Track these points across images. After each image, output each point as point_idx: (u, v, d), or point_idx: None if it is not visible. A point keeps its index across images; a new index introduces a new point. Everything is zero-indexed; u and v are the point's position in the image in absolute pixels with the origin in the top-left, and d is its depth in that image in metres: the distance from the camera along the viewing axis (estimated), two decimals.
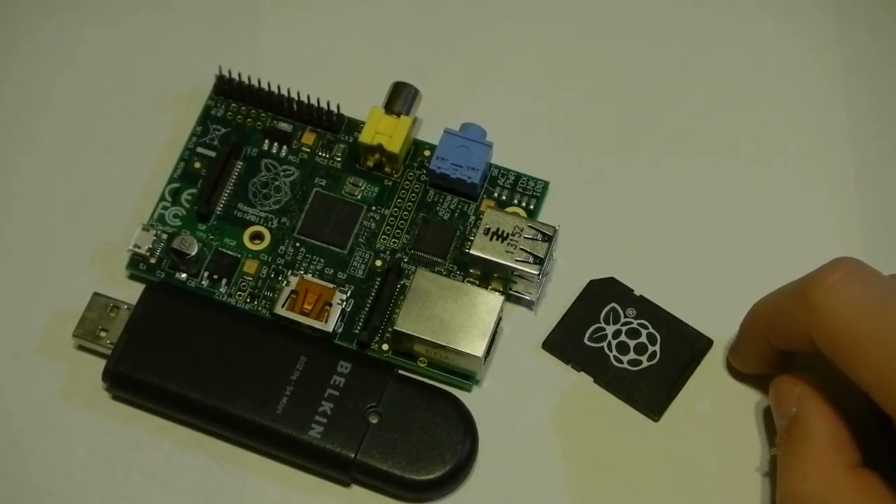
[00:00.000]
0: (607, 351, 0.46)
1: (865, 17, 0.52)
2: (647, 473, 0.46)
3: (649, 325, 0.47)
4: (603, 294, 0.47)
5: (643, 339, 0.46)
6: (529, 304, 0.48)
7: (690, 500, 0.45)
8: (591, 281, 0.47)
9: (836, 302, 0.40)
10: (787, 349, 0.43)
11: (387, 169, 0.49)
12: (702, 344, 0.46)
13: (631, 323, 0.47)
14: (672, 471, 0.45)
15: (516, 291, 0.47)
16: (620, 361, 0.46)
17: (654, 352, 0.46)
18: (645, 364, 0.46)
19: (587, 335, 0.47)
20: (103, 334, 0.47)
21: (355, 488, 0.45)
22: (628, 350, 0.46)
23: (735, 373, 0.46)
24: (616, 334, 0.47)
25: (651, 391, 0.46)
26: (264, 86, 0.50)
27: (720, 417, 0.46)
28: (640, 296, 0.47)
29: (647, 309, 0.47)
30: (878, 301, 0.40)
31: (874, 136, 0.50)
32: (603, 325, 0.47)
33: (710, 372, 0.47)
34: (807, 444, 0.42)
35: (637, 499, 0.45)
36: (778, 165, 0.50)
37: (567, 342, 0.47)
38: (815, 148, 0.50)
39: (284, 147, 0.50)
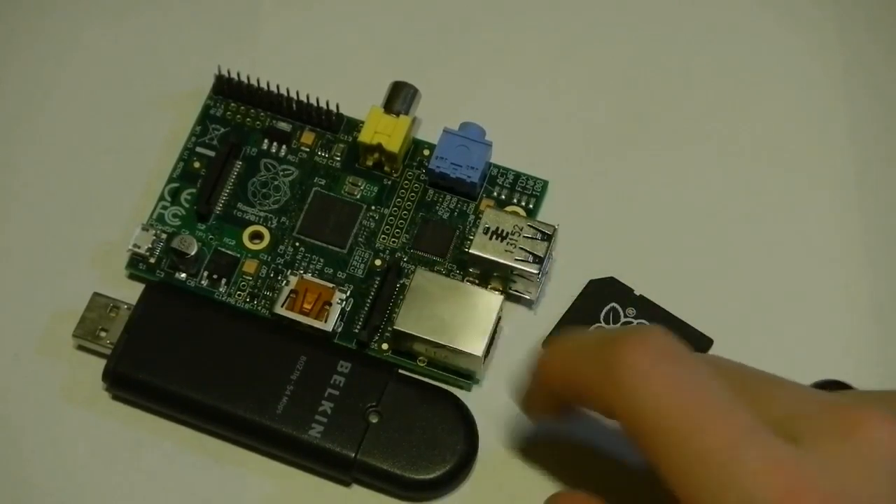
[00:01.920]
0: None
1: (865, 17, 0.52)
2: (648, 470, 0.46)
3: (649, 322, 0.46)
4: (603, 294, 0.47)
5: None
6: (529, 304, 0.48)
7: None
8: (590, 281, 0.47)
9: (645, 388, 0.37)
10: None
11: (386, 168, 0.49)
12: (702, 344, 0.46)
13: (631, 322, 0.47)
14: None
15: (516, 291, 0.47)
16: None
17: None
18: None
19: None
20: (103, 334, 0.46)
21: (355, 488, 0.45)
22: None
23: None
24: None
25: None
26: (263, 85, 0.50)
27: None
28: (640, 295, 0.47)
29: (647, 308, 0.47)
30: (693, 397, 0.37)
31: (874, 136, 0.50)
32: (603, 324, 0.47)
33: None
34: None
35: (637, 498, 0.45)
36: (778, 165, 0.50)
37: None
38: (815, 148, 0.50)
39: (284, 147, 0.50)
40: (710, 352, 0.47)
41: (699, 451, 0.36)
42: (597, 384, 0.38)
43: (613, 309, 0.47)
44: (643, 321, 0.46)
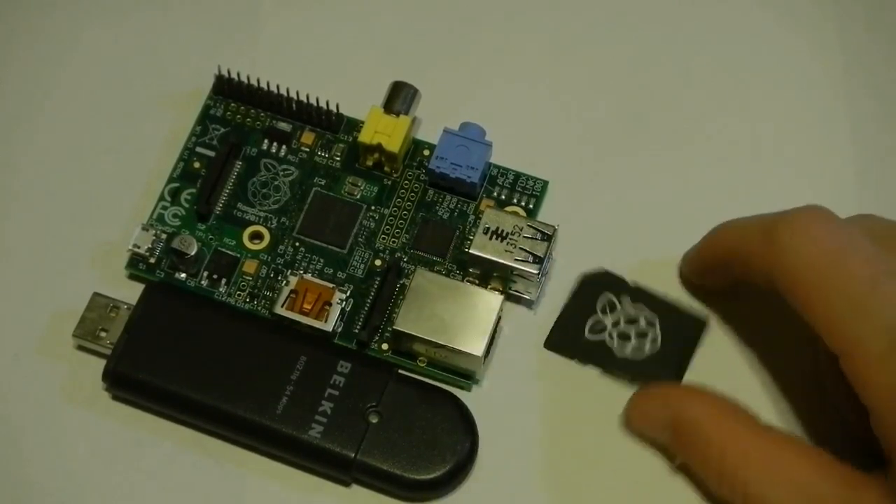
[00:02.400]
0: (609, 341, 0.46)
1: (865, 17, 0.52)
2: (648, 470, 0.46)
3: (646, 308, 0.46)
4: (596, 286, 0.47)
5: (642, 324, 0.46)
6: (529, 304, 0.48)
7: (695, 492, 0.45)
8: (583, 274, 0.47)
9: (800, 243, 0.41)
10: (740, 278, 0.44)
11: (386, 168, 0.49)
12: (700, 326, 0.47)
13: (627, 311, 0.47)
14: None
15: (516, 291, 0.47)
16: (624, 350, 0.46)
17: (655, 337, 0.46)
18: (648, 349, 0.46)
19: (587, 329, 0.47)
20: (103, 334, 0.47)
21: (355, 488, 0.45)
22: (630, 337, 0.46)
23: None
24: (615, 324, 0.46)
25: (661, 375, 0.46)
26: (263, 85, 0.50)
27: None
28: (633, 282, 0.47)
29: (641, 294, 0.47)
30: (840, 246, 0.41)
31: (874, 136, 0.50)
32: (601, 315, 0.47)
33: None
34: (706, 430, 0.43)
35: (638, 497, 0.45)
36: (778, 165, 0.50)
37: (568, 339, 0.47)
38: (815, 148, 0.50)
39: (284, 147, 0.50)
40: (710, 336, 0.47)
41: (842, 287, 0.40)
42: (760, 248, 0.42)
43: (608, 299, 0.47)
44: (641, 306, 0.47)
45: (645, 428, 0.45)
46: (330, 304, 0.47)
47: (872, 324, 0.40)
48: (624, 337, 0.46)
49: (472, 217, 0.49)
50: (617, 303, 0.47)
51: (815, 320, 0.41)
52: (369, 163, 0.49)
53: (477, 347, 0.45)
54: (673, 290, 0.48)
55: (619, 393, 0.46)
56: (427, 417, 0.45)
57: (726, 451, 0.42)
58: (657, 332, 0.46)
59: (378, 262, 0.48)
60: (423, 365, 0.47)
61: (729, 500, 0.42)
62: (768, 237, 0.42)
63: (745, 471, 0.42)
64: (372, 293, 0.47)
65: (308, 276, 0.47)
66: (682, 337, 0.46)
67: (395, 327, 0.46)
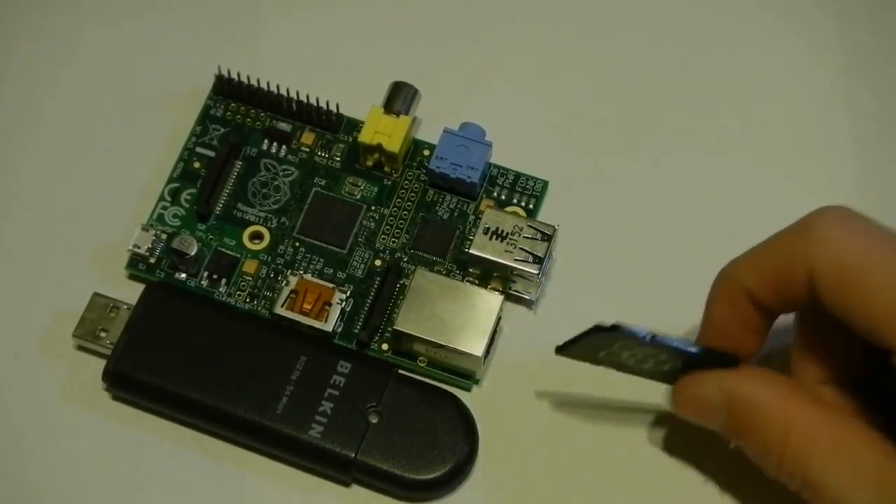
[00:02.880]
0: (626, 362, 0.43)
1: (865, 17, 0.52)
2: (648, 469, 0.46)
3: (664, 351, 0.42)
4: (611, 338, 0.42)
5: (663, 358, 0.43)
6: (529, 304, 0.48)
7: (696, 493, 0.45)
8: (595, 326, 0.41)
9: (840, 232, 0.40)
10: (773, 304, 0.42)
11: (386, 168, 0.49)
12: (728, 361, 0.43)
13: (642, 350, 0.42)
14: (672, 466, 0.45)
15: (516, 291, 0.47)
16: (641, 368, 0.43)
17: (675, 369, 0.43)
18: (668, 368, 0.43)
19: (601, 353, 0.43)
20: (103, 334, 0.47)
21: (355, 488, 0.45)
22: (646, 362, 0.43)
23: None
24: (632, 355, 0.42)
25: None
26: (263, 85, 0.50)
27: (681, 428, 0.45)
28: (653, 335, 0.41)
29: (658, 345, 0.42)
30: (884, 232, 0.40)
31: (874, 136, 0.50)
32: (617, 350, 0.42)
33: None
34: (765, 411, 0.41)
35: (638, 497, 0.45)
36: (778, 165, 0.50)
37: (584, 352, 0.43)
38: (815, 148, 0.50)
39: (284, 147, 0.50)
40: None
41: (882, 281, 0.39)
42: (797, 250, 0.41)
43: (625, 344, 0.42)
44: (654, 348, 0.42)
45: (697, 412, 0.42)
46: (330, 304, 0.47)
47: None
48: (641, 362, 0.43)
49: (472, 217, 0.49)
50: (634, 347, 0.42)
51: (866, 312, 0.39)
52: (369, 163, 0.49)
53: (477, 347, 0.45)
54: (674, 291, 0.48)
55: (618, 393, 0.46)
56: (427, 417, 0.45)
57: (789, 434, 0.40)
58: (678, 366, 0.43)
59: (378, 262, 0.48)
60: (423, 365, 0.47)
61: (787, 484, 0.41)
62: (805, 236, 0.41)
63: (808, 456, 0.40)
64: (372, 293, 0.47)
65: (308, 276, 0.47)
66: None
67: (395, 327, 0.46)
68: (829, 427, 0.40)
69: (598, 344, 0.42)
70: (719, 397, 0.42)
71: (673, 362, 0.43)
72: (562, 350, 0.43)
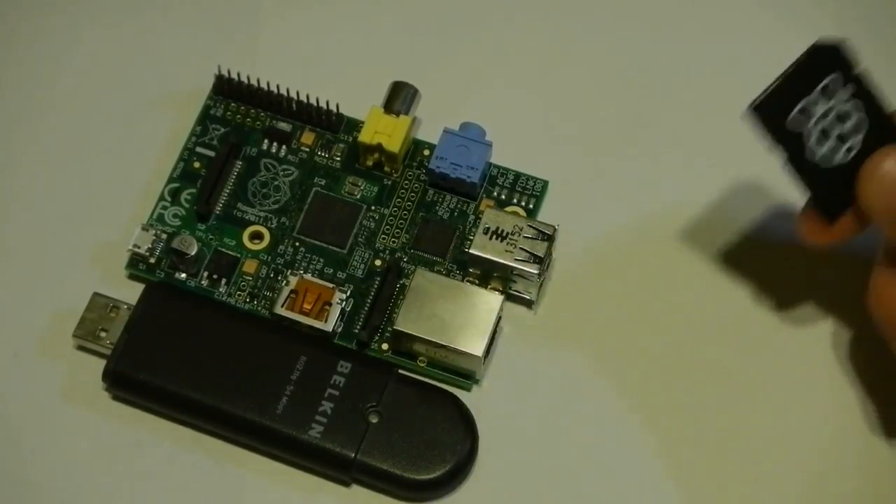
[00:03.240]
0: (807, 134, 0.42)
1: (865, 17, 0.52)
2: (648, 470, 0.46)
3: (861, 110, 0.42)
4: (826, 62, 0.42)
5: (848, 125, 0.42)
6: (529, 304, 0.48)
7: (696, 492, 0.45)
8: (815, 43, 0.42)
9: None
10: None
11: (386, 168, 0.49)
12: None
13: (845, 104, 0.42)
14: (672, 465, 0.45)
15: (516, 291, 0.47)
16: (817, 151, 0.42)
17: (853, 145, 0.42)
18: (839, 159, 0.42)
19: (797, 109, 0.42)
20: (103, 334, 0.47)
21: (355, 488, 0.45)
22: (829, 137, 0.42)
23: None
24: (824, 115, 0.42)
25: (832, 192, 0.43)
26: (263, 85, 0.50)
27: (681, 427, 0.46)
28: (861, 74, 0.42)
29: (864, 91, 0.42)
30: None
31: None
32: (816, 97, 0.42)
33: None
34: None
35: (638, 497, 0.45)
36: (777, 165, 0.50)
37: (775, 111, 0.42)
38: None
39: (284, 147, 0.50)
40: None
41: None
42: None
43: (832, 82, 0.42)
44: (859, 104, 0.42)
45: (881, 191, 0.42)
46: (330, 304, 0.47)
47: None
48: (824, 135, 0.42)
49: (472, 217, 0.49)
50: (839, 89, 0.42)
51: None
52: (369, 163, 0.49)
53: (477, 347, 0.45)
54: (674, 291, 0.48)
55: (619, 393, 0.46)
56: (427, 417, 0.45)
57: None
58: (859, 140, 0.42)
59: (378, 262, 0.48)
60: (423, 365, 0.47)
61: None
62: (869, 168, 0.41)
63: None
64: (372, 293, 0.47)
65: (308, 276, 0.47)
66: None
67: (395, 327, 0.46)
68: None
69: (809, 78, 0.42)
70: (882, 200, 0.41)
71: (853, 139, 0.43)
72: (761, 104, 0.42)
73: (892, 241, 0.42)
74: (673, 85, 0.51)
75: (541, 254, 0.46)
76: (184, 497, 0.46)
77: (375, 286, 0.48)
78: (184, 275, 0.48)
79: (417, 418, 0.45)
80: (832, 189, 0.43)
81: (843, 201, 0.43)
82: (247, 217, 0.49)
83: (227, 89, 0.50)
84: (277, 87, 0.50)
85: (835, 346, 0.47)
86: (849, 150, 0.42)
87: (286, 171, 0.49)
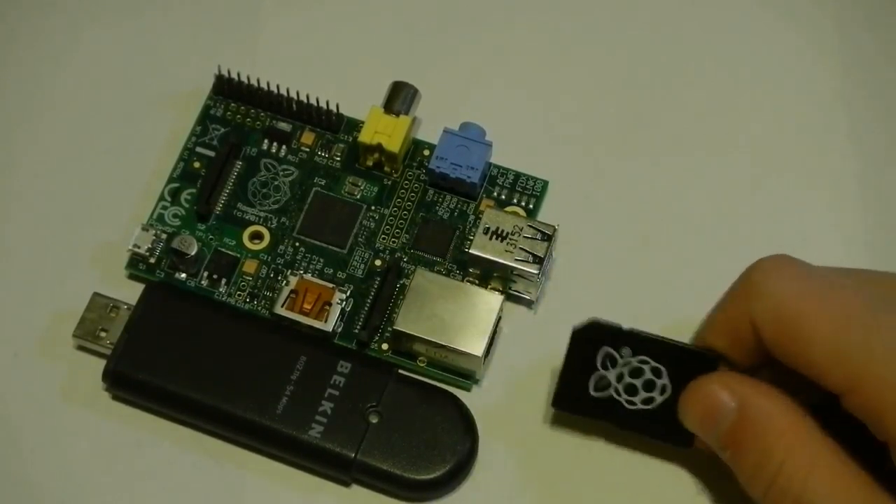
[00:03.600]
0: (616, 396, 0.43)
1: (865, 17, 0.52)
2: (648, 470, 0.46)
3: (650, 360, 0.43)
4: (591, 340, 0.44)
5: (648, 374, 0.43)
6: (529, 304, 0.48)
7: (696, 492, 0.45)
8: (573, 330, 0.44)
9: (776, 281, 0.40)
10: (746, 360, 0.42)
11: (386, 168, 0.49)
12: (712, 362, 0.43)
13: (630, 363, 0.44)
14: (672, 465, 0.45)
15: (516, 291, 0.47)
16: (633, 403, 0.43)
17: (664, 385, 0.43)
18: (659, 399, 0.43)
19: (592, 386, 0.44)
20: (103, 334, 0.47)
21: (355, 488, 0.45)
22: (636, 390, 0.43)
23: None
24: (619, 378, 0.44)
25: (673, 423, 0.43)
26: (263, 85, 0.50)
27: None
28: (629, 330, 0.44)
29: (641, 343, 0.44)
30: (820, 279, 0.40)
31: (874, 136, 0.50)
32: (602, 371, 0.44)
33: None
34: (769, 429, 0.40)
35: (638, 497, 0.45)
36: (778, 165, 0.50)
37: (575, 396, 0.44)
38: (815, 148, 0.50)
39: (284, 147, 0.50)
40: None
41: (836, 317, 0.39)
42: (738, 304, 0.41)
43: (608, 353, 0.44)
44: (642, 357, 0.43)
45: (704, 413, 0.42)
46: (330, 304, 0.47)
47: (879, 351, 0.38)
48: (631, 390, 0.44)
49: (472, 217, 0.49)
50: (617, 356, 0.44)
51: (809, 359, 0.39)
52: (369, 163, 0.49)
53: (477, 347, 0.45)
54: (673, 292, 0.48)
55: None
56: (427, 417, 0.45)
57: (790, 457, 0.40)
58: (666, 381, 0.43)
59: (378, 262, 0.48)
60: (423, 365, 0.47)
61: None
62: (743, 290, 0.41)
63: (801, 490, 0.39)
64: (372, 293, 0.47)
65: (308, 276, 0.47)
66: (694, 377, 0.43)
67: (395, 327, 0.46)
68: (833, 470, 0.39)
69: (585, 359, 0.44)
70: (731, 402, 0.41)
71: (660, 381, 0.43)
72: (557, 398, 0.44)
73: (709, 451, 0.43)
74: (673, 85, 0.51)
75: (541, 254, 0.46)
76: (184, 497, 0.46)
77: (375, 286, 0.48)
78: (184, 275, 0.48)
79: (417, 418, 0.45)
80: (672, 422, 0.43)
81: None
82: (247, 217, 0.49)
83: (227, 89, 0.50)
84: (277, 87, 0.50)
85: None
86: (663, 388, 0.44)
87: (286, 171, 0.49)
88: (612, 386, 0.44)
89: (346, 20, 0.53)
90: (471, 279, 0.47)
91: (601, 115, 0.51)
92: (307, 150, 0.50)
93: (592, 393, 0.44)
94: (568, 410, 0.45)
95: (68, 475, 0.46)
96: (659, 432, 0.44)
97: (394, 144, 0.48)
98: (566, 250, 0.48)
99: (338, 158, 0.50)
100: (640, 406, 0.44)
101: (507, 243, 0.46)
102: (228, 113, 0.50)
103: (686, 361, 0.43)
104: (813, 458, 0.39)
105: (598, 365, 0.44)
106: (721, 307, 0.43)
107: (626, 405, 0.44)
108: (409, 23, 0.53)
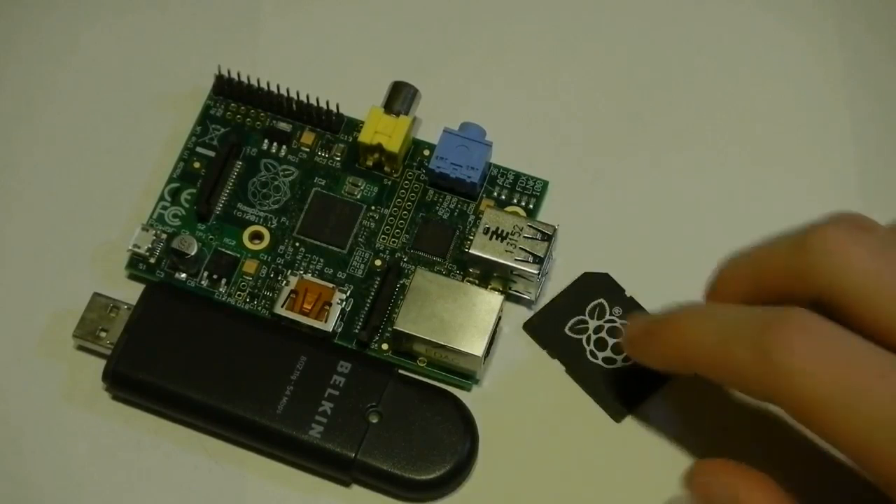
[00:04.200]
0: (585, 344, 0.46)
1: (865, 17, 0.52)
2: (648, 469, 0.46)
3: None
4: (594, 287, 0.47)
5: (622, 339, 0.46)
6: (529, 304, 0.48)
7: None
8: (585, 273, 0.47)
9: (842, 260, 0.38)
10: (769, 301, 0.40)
11: (386, 168, 0.49)
12: None
13: (614, 322, 0.47)
14: (672, 466, 0.46)
15: (516, 291, 0.47)
16: (595, 357, 0.46)
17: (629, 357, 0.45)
18: (618, 364, 0.46)
19: (569, 325, 0.47)
20: (103, 334, 0.46)
21: (355, 488, 0.45)
22: (605, 347, 0.46)
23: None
24: (597, 329, 0.46)
25: (618, 392, 0.46)
26: (263, 85, 0.50)
27: (683, 428, 0.46)
28: (630, 297, 0.47)
29: (632, 310, 0.47)
30: (842, 359, 0.37)
31: (874, 136, 0.50)
32: (586, 318, 0.47)
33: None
34: None
35: (638, 497, 0.45)
36: (778, 165, 0.50)
37: (548, 328, 0.47)
38: (816, 148, 0.50)
39: (284, 147, 0.50)
40: None
41: (869, 416, 0.36)
42: (751, 368, 0.38)
43: (600, 304, 0.47)
44: (627, 323, 0.45)
45: (702, 497, 0.41)
46: (330, 304, 0.47)
47: None
48: (600, 345, 0.46)
49: (472, 217, 0.49)
50: (607, 310, 0.47)
51: (850, 453, 0.37)
52: (369, 163, 0.49)
53: (477, 347, 0.45)
54: (673, 292, 0.48)
55: None
56: (427, 417, 0.45)
57: None
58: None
59: (378, 262, 0.48)
60: (423, 365, 0.47)
61: None
62: (764, 358, 0.38)
63: None
64: (372, 293, 0.47)
65: (308, 276, 0.47)
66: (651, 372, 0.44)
67: (395, 327, 0.46)
68: None
69: (578, 301, 0.47)
70: (725, 493, 0.40)
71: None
72: (531, 322, 0.47)
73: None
74: (673, 85, 0.51)
75: (541, 254, 0.46)
76: (184, 497, 0.46)
77: (375, 286, 0.48)
78: (184, 275, 0.48)
79: (417, 418, 0.45)
80: (618, 388, 0.46)
81: (630, 400, 0.46)
82: (247, 217, 0.49)
83: (227, 89, 0.50)
84: (277, 87, 0.50)
85: None
86: (626, 358, 0.46)
87: (286, 171, 0.49)
88: (587, 334, 0.46)
89: (346, 20, 0.53)
90: (471, 279, 0.47)
91: (601, 115, 0.51)
92: (307, 150, 0.50)
93: (566, 331, 0.46)
94: (535, 337, 0.47)
95: (68, 475, 0.46)
96: (599, 392, 0.46)
97: (394, 144, 0.48)
98: (566, 250, 0.48)
99: (338, 158, 0.50)
100: (600, 362, 0.46)
101: (507, 243, 0.46)
102: (228, 113, 0.50)
103: None
104: None
105: (586, 311, 0.46)
106: (772, 261, 0.40)
107: (588, 355, 0.46)
108: (409, 23, 0.53)
